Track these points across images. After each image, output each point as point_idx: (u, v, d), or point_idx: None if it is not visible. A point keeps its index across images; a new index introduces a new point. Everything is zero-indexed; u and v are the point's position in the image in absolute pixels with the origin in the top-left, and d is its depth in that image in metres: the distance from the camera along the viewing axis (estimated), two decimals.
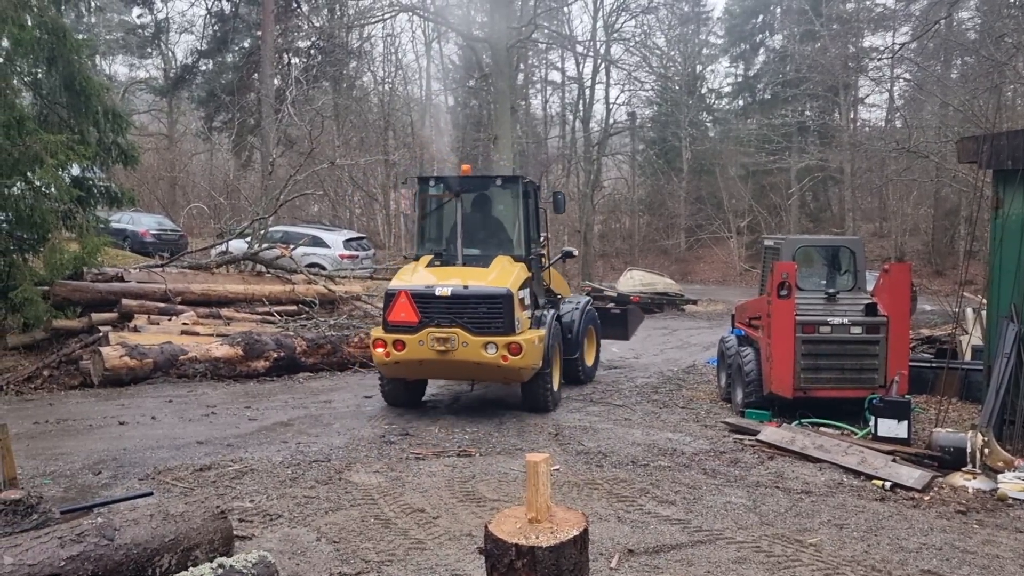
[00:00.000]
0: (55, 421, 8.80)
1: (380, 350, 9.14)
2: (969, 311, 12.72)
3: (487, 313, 8.93)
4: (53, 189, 11.34)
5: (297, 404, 10.05)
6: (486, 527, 3.41)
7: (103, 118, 12.65)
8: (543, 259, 11.10)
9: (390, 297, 9.22)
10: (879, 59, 31.58)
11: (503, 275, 9.30)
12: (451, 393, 10.89)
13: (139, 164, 14.80)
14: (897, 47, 25.18)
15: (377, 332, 9.38)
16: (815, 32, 34.95)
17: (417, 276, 9.46)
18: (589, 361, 12.01)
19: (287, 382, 11.68)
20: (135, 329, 12.08)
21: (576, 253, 13.40)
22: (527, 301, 9.59)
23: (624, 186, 43.82)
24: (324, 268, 20.07)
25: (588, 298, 12.75)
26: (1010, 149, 8.15)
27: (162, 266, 15.11)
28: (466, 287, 9.00)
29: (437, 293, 8.98)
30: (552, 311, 10.32)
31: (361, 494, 6.23)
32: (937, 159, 22.89)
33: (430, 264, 9.79)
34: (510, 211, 10.31)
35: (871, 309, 8.75)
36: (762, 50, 42.03)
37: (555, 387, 10.05)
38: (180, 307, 13.20)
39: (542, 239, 11.07)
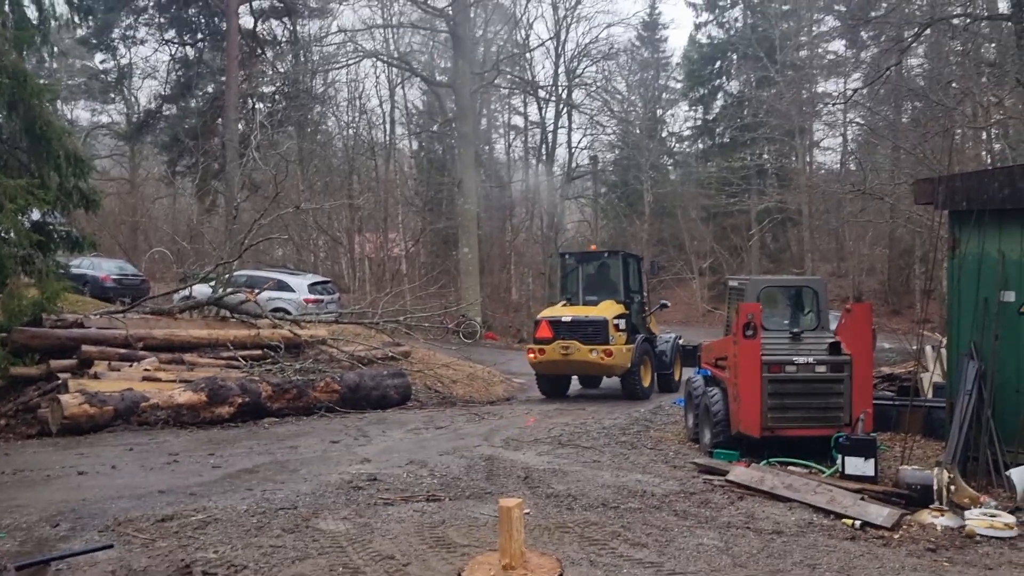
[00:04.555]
0: (11, 471, 8.53)
1: (531, 355, 15.24)
2: (928, 348, 12.93)
3: (592, 331, 14.55)
4: (12, 234, 11.20)
5: (262, 450, 9.86)
6: (459, 574, 3.36)
7: (64, 162, 12.51)
8: (645, 307, 16.51)
9: (537, 323, 15.31)
10: (832, 104, 32.55)
11: (604, 309, 14.93)
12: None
13: (101, 209, 14.62)
14: (850, 93, 25.96)
15: (529, 345, 15.67)
16: (770, 78, 35.85)
17: (554, 311, 15.67)
18: (676, 377, 16.59)
19: (252, 428, 11.48)
20: (95, 376, 11.82)
21: (670, 305, 20.18)
22: (622, 327, 14.88)
23: (587, 229, 44.21)
24: (289, 312, 19.83)
25: (676, 335, 17.57)
26: (964, 191, 8.39)
27: (123, 312, 14.81)
28: (579, 316, 14.86)
29: (563, 319, 14.91)
30: (641, 336, 15.46)
31: (329, 542, 6.11)
32: (891, 200, 23.43)
33: (564, 305, 15.85)
34: (615, 272, 15.98)
35: (835, 348, 8.86)
36: (720, 95, 42.94)
37: (644, 384, 15.30)
38: (142, 353, 12.93)
39: (643, 297, 16.54)
